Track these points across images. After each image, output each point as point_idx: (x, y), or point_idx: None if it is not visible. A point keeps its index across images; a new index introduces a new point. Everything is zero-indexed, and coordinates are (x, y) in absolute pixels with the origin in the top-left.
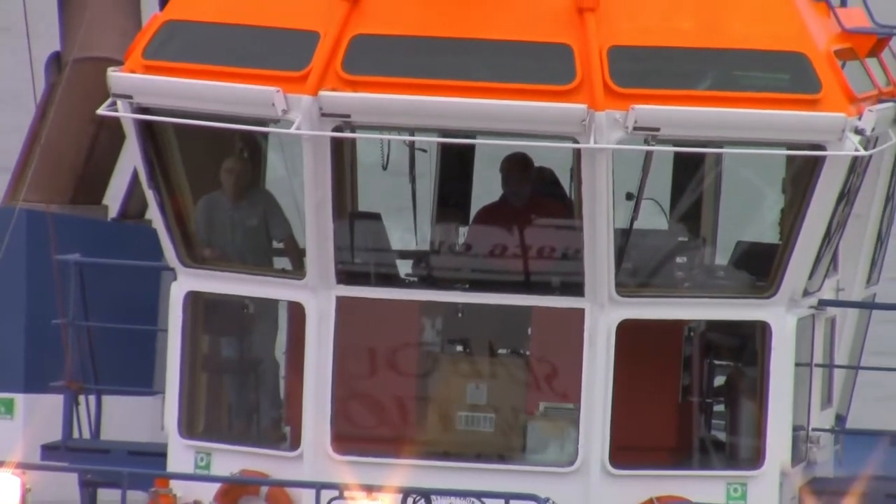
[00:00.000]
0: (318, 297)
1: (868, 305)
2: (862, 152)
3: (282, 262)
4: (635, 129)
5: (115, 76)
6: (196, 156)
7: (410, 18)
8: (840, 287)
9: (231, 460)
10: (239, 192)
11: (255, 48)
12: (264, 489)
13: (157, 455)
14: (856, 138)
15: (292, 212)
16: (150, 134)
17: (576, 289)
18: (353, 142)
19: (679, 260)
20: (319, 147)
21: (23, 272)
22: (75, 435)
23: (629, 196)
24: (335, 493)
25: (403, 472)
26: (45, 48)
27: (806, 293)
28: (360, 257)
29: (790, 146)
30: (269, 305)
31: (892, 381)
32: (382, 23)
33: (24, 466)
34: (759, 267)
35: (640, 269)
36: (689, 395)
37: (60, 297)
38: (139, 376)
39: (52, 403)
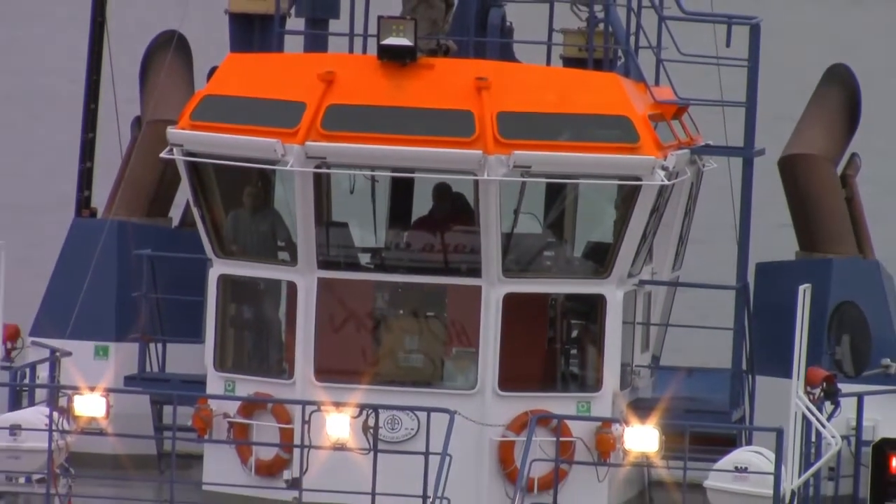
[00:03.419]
0: (305, 278)
1: (672, 284)
2: (666, 182)
3: (282, 255)
4: (515, 166)
5: (172, 132)
6: (226, 184)
7: (367, 94)
8: (654, 271)
9: (248, 386)
10: (255, 209)
11: (263, 113)
12: (270, 405)
13: (200, 382)
14: (662, 173)
15: (289, 221)
16: (195, 170)
17: (476, 273)
18: (328, 175)
19: (546, 253)
20: (306, 179)
21: (114, 262)
22: (147, 370)
23: (515, 211)
24: (315, 407)
25: (361, 394)
26: (130, 114)
27: (630, 275)
28: (333, 251)
29: (619, 178)
30: (274, 283)
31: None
32: (348, 96)
33: (111, 390)
34: (599, 258)
35: (519, 259)
36: (552, 343)
37: (137, 278)
38: (190, 330)
39: (132, 349)
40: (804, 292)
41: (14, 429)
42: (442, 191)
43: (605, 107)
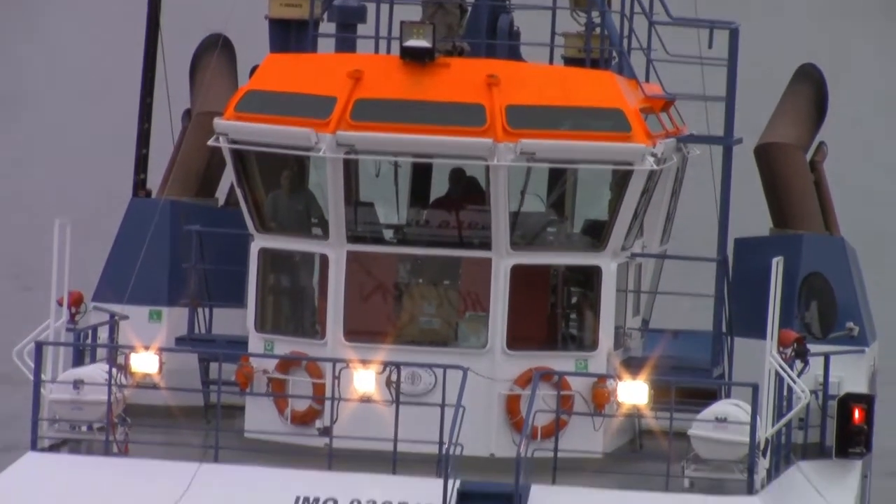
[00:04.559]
0: (336, 251)
1: (660, 256)
2: (655, 167)
3: (316, 231)
4: (521, 153)
5: (218, 122)
6: (266, 169)
7: (390, 89)
8: (644, 245)
9: (285, 346)
10: (291, 190)
11: (299, 106)
12: (304, 363)
13: (242, 342)
14: (651, 159)
15: (322, 201)
16: (238, 156)
17: (487, 246)
18: (356, 161)
19: (549, 229)
20: (336, 164)
21: (167, 237)
22: (195, 332)
23: (521, 193)
24: (344, 364)
25: (385, 352)
26: (181, 106)
27: (623, 249)
28: (361, 228)
29: (613, 164)
30: (308, 256)
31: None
32: (374, 91)
33: (163, 349)
34: (596, 234)
35: (525, 234)
36: (554, 308)
37: (187, 251)
38: (234, 297)
39: (182, 313)
40: (777, 264)
41: (77, 383)
42: (457, 174)
43: (601, 101)
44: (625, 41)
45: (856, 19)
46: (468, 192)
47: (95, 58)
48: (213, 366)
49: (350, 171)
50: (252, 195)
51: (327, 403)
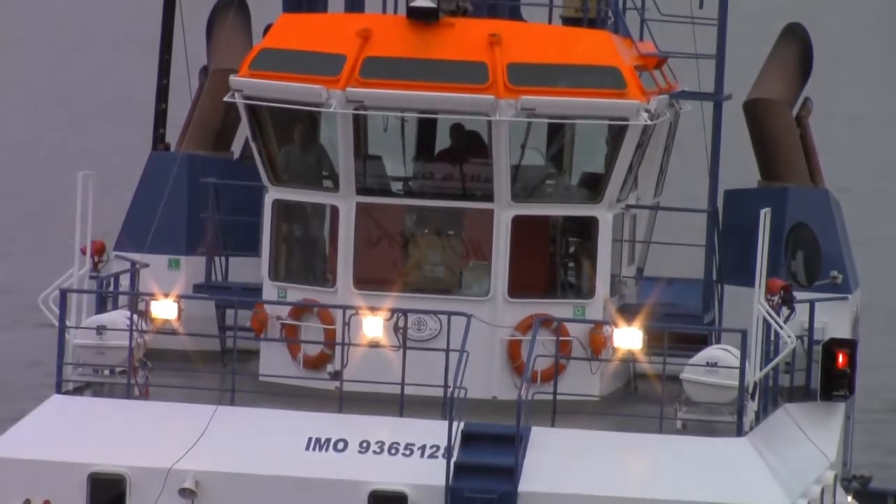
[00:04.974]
0: (346, 203)
1: (653, 208)
2: (648, 122)
3: (326, 183)
4: (522, 109)
5: (234, 79)
6: (279, 124)
7: (397, 47)
8: (639, 197)
9: (297, 293)
10: (303, 144)
11: (310, 64)
12: (316, 309)
13: (257, 290)
14: (645, 114)
15: (332, 155)
16: (253, 111)
17: (489, 198)
18: (365, 116)
19: (548, 182)
20: (346, 119)
21: (185, 189)
22: (212, 280)
23: (522, 147)
24: (353, 311)
25: (393, 300)
26: (198, 63)
27: (619, 200)
28: (369, 180)
29: (609, 119)
30: (319, 207)
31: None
32: (382, 50)
33: (182, 297)
34: (593, 186)
35: (525, 187)
36: (553, 257)
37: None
38: (248, 246)
39: (200, 262)
40: (765, 215)
41: (100, 329)
42: (457, 129)
43: (597, 59)
44: (620, 1)
45: None
46: (471, 145)
47: (116, 17)
48: (229, 312)
49: (359, 126)
50: (266, 149)
51: (338, 348)
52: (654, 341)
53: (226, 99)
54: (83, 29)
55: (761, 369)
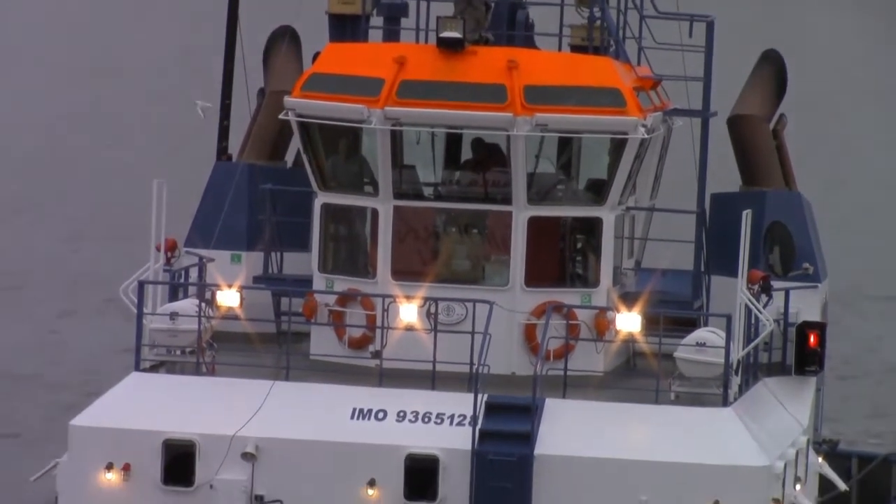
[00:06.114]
0: (384, 206)
1: (650, 209)
2: (645, 136)
3: (368, 189)
4: (536, 125)
5: (288, 99)
6: (327, 138)
7: (429, 71)
8: (637, 200)
9: (343, 284)
10: (347, 156)
11: (353, 86)
12: (359, 298)
13: (308, 281)
14: (643, 129)
15: (373, 164)
16: (304, 127)
17: (508, 201)
18: (401, 131)
19: (559, 187)
20: (385, 134)
21: (245, 194)
22: (269, 272)
23: (536, 157)
24: (391, 299)
25: (425, 289)
26: (256, 86)
27: (620, 203)
28: (405, 186)
29: (611, 133)
30: (361, 209)
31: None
32: (416, 74)
33: (243, 287)
34: (597, 191)
35: (539, 191)
36: (563, 252)
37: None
38: (300, 243)
39: (258, 257)
40: (746, 215)
41: (173, 315)
42: (478, 143)
43: (601, 81)
44: (620, 32)
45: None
46: (493, 156)
47: (184, 46)
48: (284, 300)
49: (395, 139)
50: (315, 160)
51: (378, 331)
52: (650, 324)
53: (281, 116)
54: (178, 65)
55: (744, 348)
